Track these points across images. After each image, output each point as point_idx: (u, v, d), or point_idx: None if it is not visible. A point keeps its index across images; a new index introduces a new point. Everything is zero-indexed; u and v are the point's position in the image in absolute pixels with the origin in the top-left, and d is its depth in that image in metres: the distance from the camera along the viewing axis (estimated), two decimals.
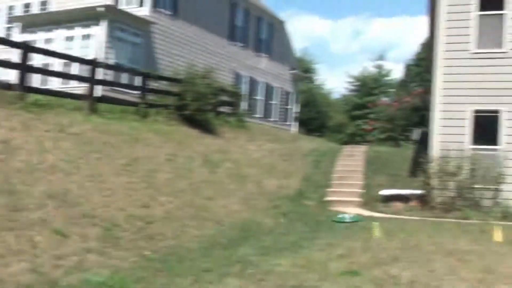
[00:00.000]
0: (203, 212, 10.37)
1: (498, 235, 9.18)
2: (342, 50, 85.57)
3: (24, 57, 12.27)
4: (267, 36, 27.32)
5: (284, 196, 13.72)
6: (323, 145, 21.99)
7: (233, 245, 8.86)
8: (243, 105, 22.30)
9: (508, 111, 13.72)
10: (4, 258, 6.19)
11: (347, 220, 11.70)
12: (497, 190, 13.44)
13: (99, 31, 17.60)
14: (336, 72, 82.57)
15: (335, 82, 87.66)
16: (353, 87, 40.51)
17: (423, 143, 17.67)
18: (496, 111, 13.84)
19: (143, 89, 15.91)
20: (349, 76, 40.88)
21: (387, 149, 19.33)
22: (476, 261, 7.44)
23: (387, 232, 9.66)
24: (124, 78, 18.09)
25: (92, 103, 13.45)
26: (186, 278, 6.64)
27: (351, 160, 17.63)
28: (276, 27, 28.10)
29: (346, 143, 30.36)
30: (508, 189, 13.35)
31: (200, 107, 16.26)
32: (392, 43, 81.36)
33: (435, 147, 14.00)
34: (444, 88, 14.21)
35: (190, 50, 21.22)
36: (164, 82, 16.86)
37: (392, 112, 25.08)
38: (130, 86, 17.15)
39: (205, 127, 16.45)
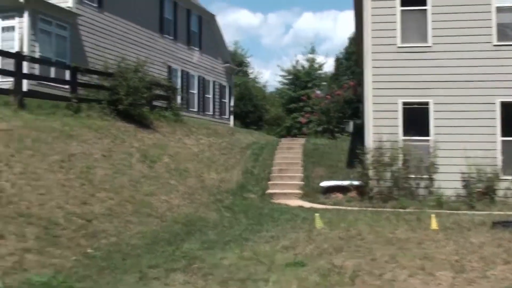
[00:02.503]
0: (145, 208, 10.15)
1: (433, 223, 9.51)
2: (273, 43, 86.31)
3: None
4: (198, 29, 27.12)
5: (225, 190, 13.68)
6: (261, 138, 22.10)
7: (177, 240, 8.73)
8: (178, 99, 22.01)
9: (436, 103, 14.25)
10: None
11: None
12: (430, 179, 13.94)
13: (22, 22, 16.78)
14: (269, 66, 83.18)
15: (268, 76, 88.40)
16: (286, 81, 40.84)
17: (358, 134, 18.10)
18: (425, 103, 14.34)
19: (73, 83, 15.33)
20: (282, 70, 41.26)
21: (324, 141, 19.65)
22: (415, 249, 7.66)
23: (329, 223, 9.81)
24: (52, 72, 17.33)
25: (20, 98, 12.87)
26: (131, 275, 6.47)
27: (290, 153, 17.81)
28: (206, 20, 27.92)
29: (283, 136, 30.66)
30: (441, 178, 13.88)
31: (134, 101, 15.87)
32: (323, 37, 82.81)
33: (370, 139, 14.34)
34: (374, 81, 14.57)
35: (119, 43, 20.64)
36: (95, 76, 16.34)
37: (326, 105, 25.47)
38: (58, 80, 16.51)
39: (140, 122, 16.10)
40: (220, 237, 9.04)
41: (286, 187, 14.98)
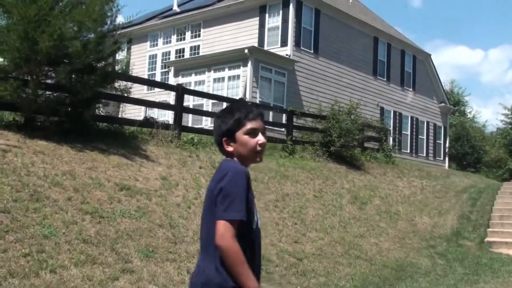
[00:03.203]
0: (354, 250, 10.14)
1: None
2: (494, 80, 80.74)
3: (179, 99, 13.06)
4: (411, 69, 26.60)
5: (439, 235, 13.01)
6: (480, 182, 20.67)
7: (386, 285, 8.53)
8: (390, 141, 21.71)
9: None
10: None
11: None
12: None
13: (246, 71, 18.30)
14: (490, 104, 77.98)
15: (488, 115, 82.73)
16: (509, 120, 37.72)
17: None
18: None
19: (289, 126, 16.21)
20: (504, 108, 38.21)
21: None
22: None
23: None
24: (270, 115, 18.50)
25: None
26: None
27: None
28: (420, 60, 27.28)
29: (506, 179, 28.21)
30: None
31: (345, 143, 16.12)
32: None
33: None
34: None
35: (333, 86, 21.23)
36: (309, 118, 17.03)
37: None
38: (276, 124, 17.56)
39: (351, 163, 16.25)
40: (432, 286, 8.60)
41: (509, 235, 13.68)
